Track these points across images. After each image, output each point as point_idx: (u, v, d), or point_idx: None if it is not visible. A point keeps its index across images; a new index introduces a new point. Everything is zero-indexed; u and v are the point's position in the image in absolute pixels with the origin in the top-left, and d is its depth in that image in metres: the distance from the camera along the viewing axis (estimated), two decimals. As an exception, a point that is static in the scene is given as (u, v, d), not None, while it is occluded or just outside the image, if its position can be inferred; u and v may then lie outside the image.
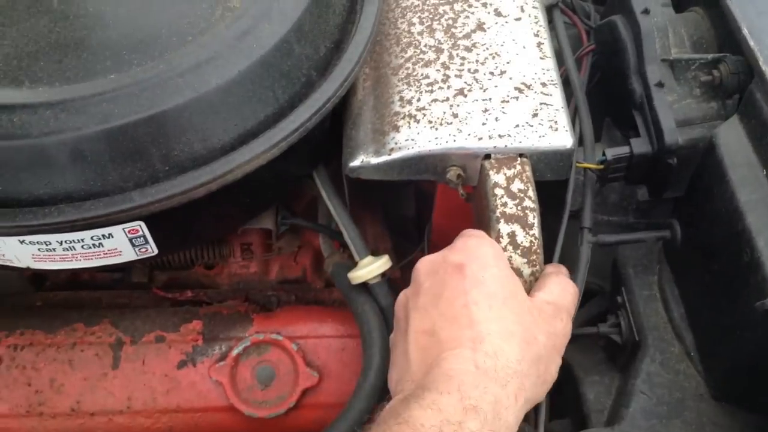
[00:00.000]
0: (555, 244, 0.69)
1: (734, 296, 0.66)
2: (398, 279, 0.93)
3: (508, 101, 0.71)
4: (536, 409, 0.62)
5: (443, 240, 0.89)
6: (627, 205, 0.84)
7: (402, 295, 0.64)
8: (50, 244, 0.65)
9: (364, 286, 0.76)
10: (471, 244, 0.61)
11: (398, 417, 0.51)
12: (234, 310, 0.85)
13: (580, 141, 0.77)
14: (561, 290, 0.63)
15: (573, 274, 0.72)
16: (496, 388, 0.53)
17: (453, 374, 0.53)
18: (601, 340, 0.82)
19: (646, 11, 0.72)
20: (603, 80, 0.86)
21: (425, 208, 0.93)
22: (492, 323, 0.56)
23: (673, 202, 0.82)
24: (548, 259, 0.67)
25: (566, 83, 0.78)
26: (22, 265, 0.68)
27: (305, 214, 0.90)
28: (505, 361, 0.55)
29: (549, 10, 0.87)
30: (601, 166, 0.75)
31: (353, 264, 0.77)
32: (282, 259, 0.91)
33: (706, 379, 0.72)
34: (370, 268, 0.74)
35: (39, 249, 0.66)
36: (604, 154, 0.74)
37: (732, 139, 0.65)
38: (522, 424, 0.58)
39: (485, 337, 0.55)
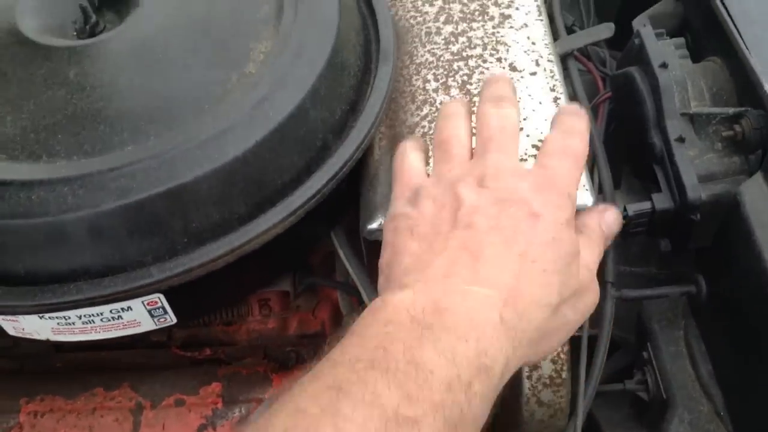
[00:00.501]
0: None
1: (765, 356, 0.64)
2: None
3: (526, 159, 0.70)
4: None
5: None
6: (649, 255, 0.83)
7: (452, 164, 0.60)
8: (69, 318, 0.65)
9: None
10: (551, 198, 0.55)
11: (408, 352, 0.45)
12: (253, 370, 0.85)
13: (599, 190, 0.77)
14: (596, 249, 0.59)
15: (596, 330, 0.71)
16: (509, 350, 0.49)
17: (476, 320, 0.48)
18: (627, 396, 0.80)
19: (664, 65, 0.71)
20: (621, 129, 0.85)
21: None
22: (536, 287, 0.52)
23: (695, 252, 0.80)
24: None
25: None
26: (42, 337, 0.68)
27: (321, 267, 0.90)
28: (527, 325, 0.50)
29: (563, 59, 0.87)
30: (623, 221, 0.74)
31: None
32: (300, 314, 0.90)
33: (737, 439, 0.71)
34: (391, 329, 0.73)
35: (58, 323, 0.65)
36: (625, 210, 0.73)
37: (757, 197, 0.64)
38: None
39: (523, 296, 0.51)
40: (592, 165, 0.78)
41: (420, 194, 0.58)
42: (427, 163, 0.64)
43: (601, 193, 0.77)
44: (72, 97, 0.67)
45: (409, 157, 0.64)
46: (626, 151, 0.83)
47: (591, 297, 0.58)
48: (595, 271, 0.59)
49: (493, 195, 0.55)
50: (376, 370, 0.44)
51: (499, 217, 0.54)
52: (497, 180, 0.56)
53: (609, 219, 0.62)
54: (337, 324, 0.91)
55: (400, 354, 0.45)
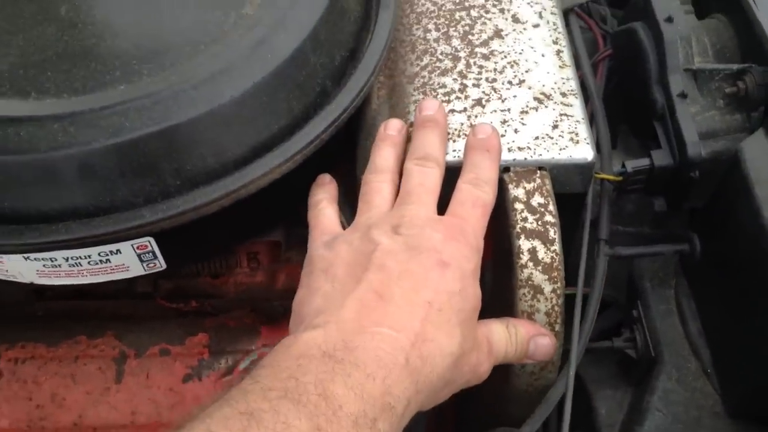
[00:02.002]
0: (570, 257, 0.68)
1: (756, 315, 0.64)
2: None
3: (527, 112, 0.69)
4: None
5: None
6: (643, 215, 0.83)
7: (371, 213, 0.62)
8: (56, 260, 0.63)
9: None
10: (460, 248, 0.58)
11: (320, 384, 0.47)
12: (241, 322, 0.83)
13: (596, 149, 0.76)
14: (511, 345, 0.61)
15: (589, 286, 0.71)
16: (412, 392, 0.51)
17: (384, 360, 0.50)
18: (614, 354, 0.81)
19: (669, 19, 0.71)
20: (620, 87, 0.84)
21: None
22: (441, 335, 0.54)
23: (690, 213, 0.80)
24: (569, 276, 0.66)
25: (582, 88, 0.76)
26: (26, 280, 0.66)
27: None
28: (430, 371, 0.52)
29: (565, 15, 0.86)
30: (620, 178, 0.73)
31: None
32: (289, 268, 0.89)
33: (723, 397, 0.71)
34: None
35: (44, 265, 0.63)
36: (623, 166, 0.73)
37: (758, 154, 0.64)
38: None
39: (428, 342, 0.53)
40: (590, 122, 0.78)
41: (337, 239, 0.61)
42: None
43: (598, 152, 0.77)
44: (63, 33, 0.65)
45: (325, 210, 0.67)
46: (624, 109, 0.82)
47: (484, 366, 0.59)
48: (493, 357, 0.60)
49: (406, 241, 0.57)
50: (287, 400, 0.45)
51: (410, 262, 0.56)
52: (411, 228, 0.58)
53: (540, 342, 0.63)
54: (326, 278, 0.91)
55: (311, 386, 0.46)
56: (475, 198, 0.62)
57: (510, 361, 0.62)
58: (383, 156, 0.66)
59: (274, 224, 0.79)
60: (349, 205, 0.76)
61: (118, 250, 0.63)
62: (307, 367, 0.48)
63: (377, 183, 0.64)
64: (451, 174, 0.67)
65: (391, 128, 0.67)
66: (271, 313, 0.88)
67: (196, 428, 0.44)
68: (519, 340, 0.62)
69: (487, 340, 0.60)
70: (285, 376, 0.47)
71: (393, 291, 0.54)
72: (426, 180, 0.62)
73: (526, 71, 0.72)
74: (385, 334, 0.51)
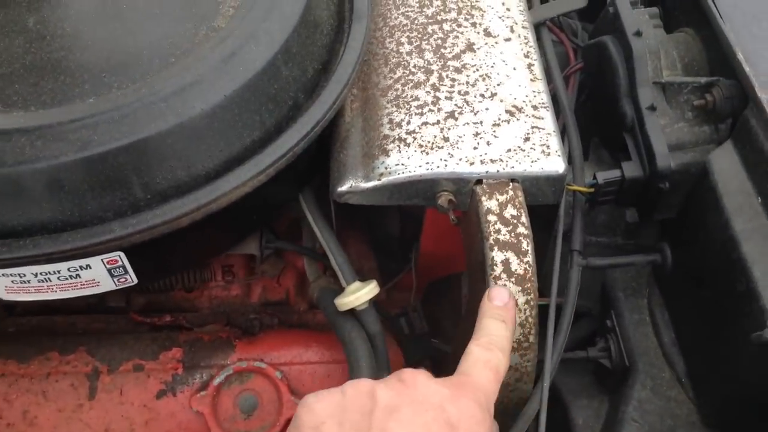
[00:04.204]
0: (543, 267, 0.68)
1: (728, 325, 0.65)
2: (383, 301, 0.91)
3: (499, 125, 0.69)
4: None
5: (431, 264, 0.88)
6: (615, 225, 0.83)
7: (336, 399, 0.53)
8: (25, 276, 0.62)
9: (351, 312, 0.74)
10: (471, 407, 0.52)
11: None
12: (215, 336, 0.83)
13: (568, 161, 0.77)
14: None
15: (562, 297, 0.71)
16: None
17: None
18: (589, 364, 0.81)
19: (638, 33, 0.71)
20: (591, 100, 0.85)
21: (409, 226, 0.91)
22: None
23: (661, 224, 0.81)
24: (542, 286, 0.66)
25: (553, 101, 0.77)
26: (-6, 296, 0.65)
27: (288, 234, 0.88)
28: None
29: (536, 28, 0.87)
30: (592, 190, 0.74)
31: (339, 288, 0.75)
32: (264, 281, 0.89)
33: (698, 406, 0.72)
34: (358, 294, 0.72)
35: (12, 281, 0.62)
36: (594, 178, 0.73)
37: (726, 166, 0.65)
38: None
39: None
40: (562, 135, 0.78)
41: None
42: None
43: (570, 164, 0.77)
44: (31, 45, 0.64)
45: None
46: (595, 122, 0.83)
47: None
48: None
49: (410, 395, 0.52)
50: None
51: (414, 423, 0.50)
52: (415, 385, 0.53)
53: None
54: (302, 292, 0.90)
55: None
56: (486, 360, 0.56)
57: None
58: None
59: (246, 237, 0.79)
60: (321, 216, 0.76)
61: (88, 266, 0.62)
62: None
63: None
64: (420, 186, 0.67)
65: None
66: (246, 326, 0.88)
67: None
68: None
69: None
70: None
71: None
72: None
73: (498, 84, 0.72)
74: None
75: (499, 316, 0.60)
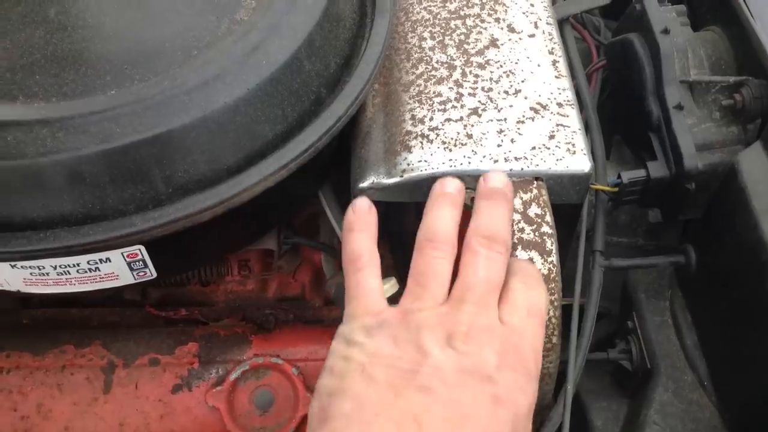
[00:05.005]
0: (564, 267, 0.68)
1: (754, 328, 0.64)
2: (397, 298, 0.91)
3: (523, 122, 0.69)
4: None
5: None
6: (637, 226, 0.83)
7: (424, 303, 0.53)
8: (44, 268, 0.61)
9: (370, 309, 0.73)
10: (517, 379, 0.51)
11: None
12: (231, 331, 0.82)
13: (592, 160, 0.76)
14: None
15: (585, 298, 0.70)
16: None
17: None
18: (609, 365, 0.80)
19: (666, 31, 0.70)
20: (614, 98, 0.84)
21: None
22: None
23: (684, 224, 0.80)
24: (566, 287, 0.65)
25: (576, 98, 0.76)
26: (12, 288, 0.65)
27: (304, 229, 0.87)
28: None
29: (559, 25, 0.85)
30: (616, 189, 0.73)
31: (357, 285, 0.75)
32: (280, 276, 0.88)
33: (720, 409, 0.71)
34: (378, 292, 0.71)
35: (31, 273, 0.62)
36: (619, 177, 0.72)
37: (755, 167, 0.64)
38: None
39: None
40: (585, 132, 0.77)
41: (381, 326, 0.53)
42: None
43: (594, 162, 0.76)
44: (52, 36, 0.63)
45: (369, 279, 0.57)
46: (618, 120, 0.82)
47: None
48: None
49: (459, 360, 0.50)
50: None
51: (460, 390, 0.49)
52: (467, 342, 0.51)
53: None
54: (318, 288, 0.90)
55: None
56: (530, 304, 0.55)
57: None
58: (443, 219, 0.58)
59: (266, 232, 0.78)
60: (341, 212, 0.75)
61: (107, 259, 0.62)
62: None
63: (434, 258, 0.56)
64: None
65: (451, 186, 0.60)
66: (262, 321, 0.87)
67: None
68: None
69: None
70: None
71: (435, 422, 0.47)
72: (492, 273, 0.55)
73: (522, 81, 0.71)
74: None
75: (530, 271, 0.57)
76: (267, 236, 0.79)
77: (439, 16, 0.77)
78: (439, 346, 0.51)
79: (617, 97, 0.82)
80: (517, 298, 0.55)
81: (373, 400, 0.49)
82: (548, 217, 0.64)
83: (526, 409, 0.51)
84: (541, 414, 0.63)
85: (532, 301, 0.55)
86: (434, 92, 0.71)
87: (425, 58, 0.73)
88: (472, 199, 0.67)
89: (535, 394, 0.53)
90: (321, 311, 0.89)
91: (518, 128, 0.68)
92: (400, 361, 0.50)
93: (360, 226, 0.59)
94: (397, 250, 0.95)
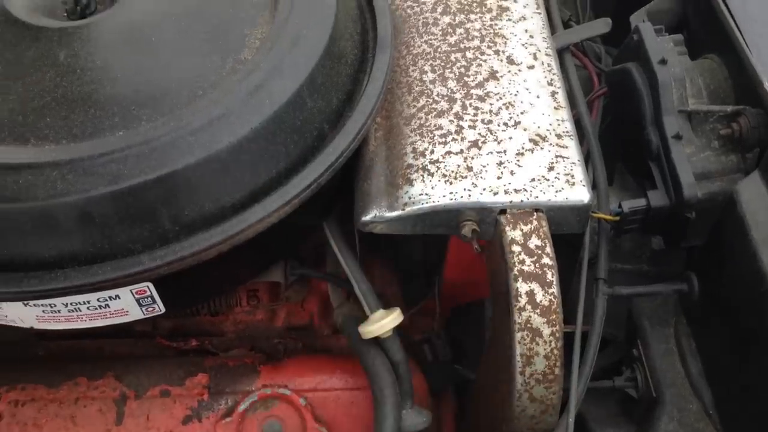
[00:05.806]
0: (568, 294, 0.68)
1: (756, 357, 0.64)
2: (406, 326, 0.91)
3: (523, 154, 0.69)
4: None
5: (454, 291, 0.88)
6: (641, 253, 0.83)
7: None
8: (55, 306, 0.63)
9: (375, 340, 0.74)
10: None
11: None
12: (240, 362, 0.83)
13: (593, 187, 0.76)
14: None
15: (587, 325, 0.70)
16: None
17: None
18: (615, 393, 0.80)
19: (663, 61, 0.71)
20: (615, 125, 0.84)
21: (433, 251, 0.91)
22: None
23: (687, 251, 0.80)
24: (567, 313, 0.65)
25: (577, 126, 0.77)
26: (26, 325, 0.67)
27: (312, 258, 0.89)
28: None
29: (560, 53, 0.86)
30: (617, 218, 0.73)
31: (363, 315, 0.76)
32: (289, 306, 0.89)
33: (726, 438, 0.71)
34: (382, 323, 0.73)
35: (44, 311, 0.64)
36: (620, 206, 0.73)
37: (754, 196, 0.64)
38: None
39: None
40: (586, 160, 0.78)
41: None
42: None
43: (595, 189, 0.77)
44: (62, 79, 0.65)
45: None
46: (620, 147, 0.82)
47: None
48: None
49: None
50: None
51: None
52: None
53: None
54: (326, 316, 0.91)
55: None
56: None
57: None
58: None
59: (272, 265, 0.79)
60: (346, 242, 0.76)
61: (117, 296, 0.63)
62: None
63: None
64: (444, 215, 0.67)
65: None
66: (270, 350, 0.88)
67: None
68: None
69: None
70: None
71: None
72: None
73: (522, 113, 0.72)
74: None
75: None
76: (274, 268, 0.81)
77: (439, 50, 0.78)
78: None
79: (618, 124, 0.83)
80: None
81: None
82: (548, 249, 0.65)
83: None
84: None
85: None
86: (435, 125, 0.72)
87: (426, 91, 0.75)
88: (474, 231, 0.68)
89: None
90: (329, 340, 0.90)
91: (518, 160, 0.69)
92: None
93: None
94: (404, 279, 0.96)
